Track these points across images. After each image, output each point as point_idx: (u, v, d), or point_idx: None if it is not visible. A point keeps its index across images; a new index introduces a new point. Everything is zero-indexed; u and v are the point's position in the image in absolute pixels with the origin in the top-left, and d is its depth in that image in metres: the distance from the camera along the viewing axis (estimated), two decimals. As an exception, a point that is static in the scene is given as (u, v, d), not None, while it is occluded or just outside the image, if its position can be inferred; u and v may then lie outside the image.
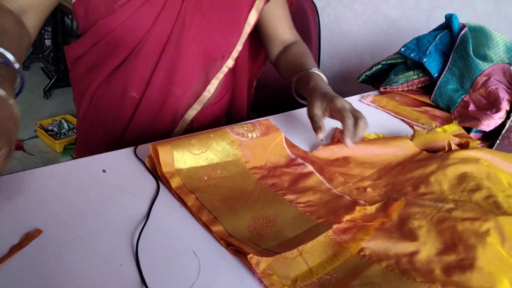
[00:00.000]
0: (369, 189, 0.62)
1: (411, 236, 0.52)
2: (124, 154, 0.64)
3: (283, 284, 0.44)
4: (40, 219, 0.48)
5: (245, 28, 0.86)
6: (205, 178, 0.60)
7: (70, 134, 2.32)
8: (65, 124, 2.38)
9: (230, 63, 0.88)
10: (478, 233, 0.52)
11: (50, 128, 2.33)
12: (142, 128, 0.86)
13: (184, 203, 0.55)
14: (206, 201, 0.55)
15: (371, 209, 0.57)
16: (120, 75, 0.82)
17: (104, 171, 0.59)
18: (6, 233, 0.46)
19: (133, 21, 0.75)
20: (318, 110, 0.69)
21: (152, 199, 0.55)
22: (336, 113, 0.68)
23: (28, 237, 0.45)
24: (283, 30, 0.93)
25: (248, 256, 0.46)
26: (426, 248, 0.50)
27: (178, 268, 0.45)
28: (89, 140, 0.93)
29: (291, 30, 0.94)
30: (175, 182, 0.57)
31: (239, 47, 0.87)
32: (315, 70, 0.80)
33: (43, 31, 3.00)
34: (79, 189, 0.55)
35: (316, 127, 0.67)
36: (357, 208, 0.55)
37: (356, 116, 0.66)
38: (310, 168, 0.65)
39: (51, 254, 0.44)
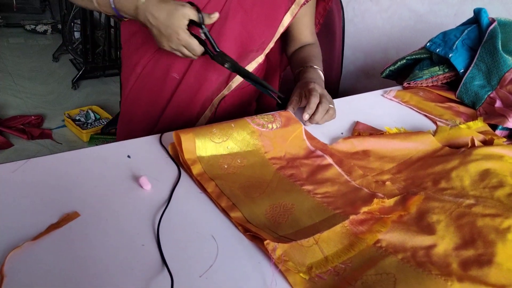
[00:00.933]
0: (388, 183, 0.62)
1: (429, 230, 0.52)
2: (149, 141, 0.66)
3: (298, 271, 0.45)
4: (70, 200, 0.51)
5: (279, 28, 0.92)
6: (225, 166, 0.61)
7: (96, 124, 2.38)
8: (92, 115, 2.45)
9: (261, 58, 0.94)
10: (498, 229, 0.52)
11: (77, 118, 2.41)
12: (177, 110, 0.92)
13: (204, 190, 0.57)
14: (226, 188, 0.57)
15: (389, 202, 0.57)
16: (165, 54, 0.88)
17: (129, 156, 0.61)
18: (41, 212, 0.49)
19: None
20: (295, 97, 0.79)
21: (174, 184, 0.56)
22: (306, 93, 0.77)
23: (67, 218, 0.48)
24: (305, 35, 1.01)
25: (265, 242, 0.47)
26: (444, 242, 0.50)
27: (197, 251, 0.46)
28: (130, 121, 0.98)
29: (312, 35, 1.03)
30: (196, 169, 0.59)
31: (271, 44, 0.94)
32: (316, 67, 0.89)
33: (72, 24, 3.08)
34: (105, 173, 0.57)
35: (289, 101, 0.79)
36: (375, 200, 0.55)
37: (322, 101, 0.75)
38: (329, 160, 0.66)
39: (81, 234, 0.46)
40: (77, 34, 3.16)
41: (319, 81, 0.84)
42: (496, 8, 1.19)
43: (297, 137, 0.70)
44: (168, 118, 0.93)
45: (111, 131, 2.44)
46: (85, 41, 2.92)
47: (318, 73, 0.88)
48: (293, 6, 0.91)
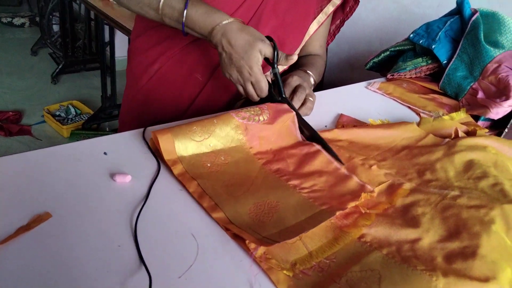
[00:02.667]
0: (374, 167, 0.61)
1: (414, 223, 0.52)
2: (130, 137, 0.64)
3: (282, 268, 0.44)
4: (41, 200, 0.49)
5: (305, 36, 0.92)
6: (208, 165, 0.59)
7: (77, 119, 2.33)
8: (72, 110, 2.40)
9: (287, 65, 0.92)
10: (483, 221, 0.51)
11: (57, 113, 2.35)
12: (200, 111, 0.89)
13: (186, 188, 0.55)
14: (208, 188, 0.55)
15: (376, 190, 0.57)
16: (190, 55, 0.85)
17: (105, 153, 0.59)
18: (10, 213, 0.46)
19: (215, 6, 0.75)
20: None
21: (152, 180, 0.54)
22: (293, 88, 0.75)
23: (37, 220, 0.45)
24: (313, 46, 0.99)
25: (247, 241, 0.46)
26: (428, 235, 0.50)
27: (176, 250, 0.45)
28: (139, 118, 0.94)
29: (321, 48, 1.02)
30: (177, 170, 0.57)
31: (297, 51, 0.93)
32: (309, 72, 0.88)
33: (50, 16, 3.00)
34: (80, 171, 0.55)
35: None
36: (363, 195, 0.55)
37: (298, 90, 0.75)
38: (317, 146, 0.64)
39: (53, 235, 0.44)
40: (56, 27, 3.08)
41: (305, 79, 0.82)
42: (478, -1, 1.19)
43: (287, 127, 0.68)
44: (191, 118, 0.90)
45: (92, 126, 2.40)
46: (65, 34, 2.85)
47: (308, 77, 0.86)
48: (320, 15, 0.92)
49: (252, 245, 0.45)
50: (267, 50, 0.68)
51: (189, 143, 0.59)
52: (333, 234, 0.50)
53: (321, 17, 0.92)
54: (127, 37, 1.90)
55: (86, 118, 2.35)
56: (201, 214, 0.51)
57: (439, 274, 0.43)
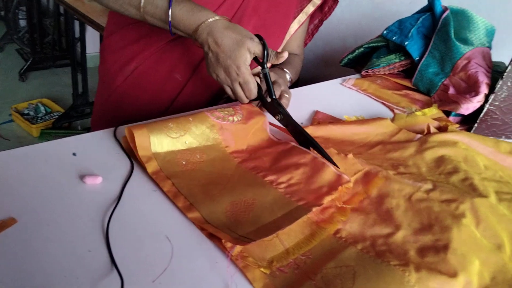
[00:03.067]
0: (350, 156, 0.62)
1: (388, 216, 0.52)
2: (101, 136, 0.62)
3: (258, 265, 0.44)
4: (5, 205, 0.46)
5: (286, 36, 0.91)
6: (183, 163, 0.58)
7: (47, 118, 2.25)
8: (42, 108, 2.32)
9: (269, 64, 0.90)
10: (454, 214, 0.53)
11: (26, 112, 2.26)
12: (182, 111, 0.85)
13: (160, 188, 0.53)
14: (183, 187, 0.53)
15: (353, 179, 0.57)
16: (168, 53, 0.81)
17: (74, 154, 0.56)
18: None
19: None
20: None
21: (125, 181, 0.53)
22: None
23: (1, 226, 0.43)
24: (292, 45, 0.98)
25: (223, 240, 0.45)
26: (402, 228, 0.51)
27: (150, 253, 0.43)
28: (113, 119, 0.89)
29: (298, 48, 1.02)
30: (151, 167, 0.55)
31: (279, 50, 0.91)
32: (286, 70, 0.87)
33: (17, 11, 2.88)
34: (48, 173, 0.52)
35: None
36: (340, 188, 0.54)
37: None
38: (292, 143, 0.64)
39: (17, 242, 0.42)
40: (22, 22, 2.96)
41: (280, 76, 0.81)
42: (448, -4, 1.21)
43: (260, 129, 0.68)
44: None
45: (63, 125, 2.32)
46: (32, 29, 2.74)
47: (284, 74, 0.86)
48: (300, 14, 0.91)
49: (228, 244, 0.45)
50: (256, 49, 0.65)
51: (164, 139, 0.58)
52: (310, 230, 0.49)
53: (301, 17, 0.92)
54: (98, 33, 1.84)
55: (57, 116, 2.27)
56: (175, 215, 0.50)
57: (411, 270, 0.44)
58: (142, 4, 0.67)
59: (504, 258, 0.48)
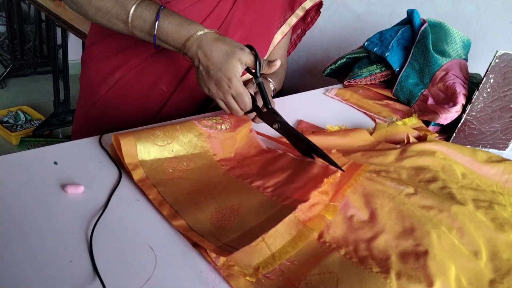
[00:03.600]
0: (334, 151, 0.63)
1: (372, 217, 0.54)
2: (85, 144, 0.61)
3: (244, 274, 0.44)
4: (-17, 214, 0.45)
5: (270, 47, 0.92)
6: (170, 171, 0.58)
7: (27, 126, 2.21)
8: (22, 116, 2.27)
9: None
10: (433, 221, 0.54)
11: (5, 119, 2.21)
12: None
13: (146, 195, 0.53)
14: (168, 195, 0.53)
15: (340, 170, 0.57)
16: (155, 64, 0.80)
17: (55, 163, 0.56)
18: None
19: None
20: None
21: (112, 190, 0.52)
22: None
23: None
24: (276, 55, 0.98)
25: (208, 250, 0.45)
26: (384, 232, 0.52)
27: (133, 263, 0.43)
28: (96, 129, 0.88)
29: (283, 57, 1.02)
30: (137, 175, 0.55)
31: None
32: (269, 80, 0.86)
33: (-4, 17, 2.83)
34: (28, 182, 0.51)
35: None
36: (325, 180, 0.54)
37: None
38: (280, 151, 0.65)
39: (-5, 251, 0.41)
40: (2, 28, 2.90)
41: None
42: (427, 9, 1.26)
43: (248, 137, 0.68)
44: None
45: (44, 133, 2.27)
46: (12, 35, 2.70)
47: (268, 83, 0.85)
48: (284, 26, 0.92)
49: (213, 254, 0.45)
50: (248, 59, 0.63)
51: (151, 147, 0.58)
52: (296, 230, 0.50)
53: (284, 28, 0.92)
54: (81, 40, 1.82)
55: (37, 124, 2.23)
56: (160, 224, 0.49)
57: (392, 276, 0.45)
58: (130, 18, 0.66)
59: (480, 265, 0.50)
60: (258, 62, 0.64)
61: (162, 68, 0.81)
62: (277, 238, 0.48)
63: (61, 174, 0.54)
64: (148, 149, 0.58)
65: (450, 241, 0.51)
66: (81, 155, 0.59)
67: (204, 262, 0.45)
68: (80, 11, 0.70)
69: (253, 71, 0.65)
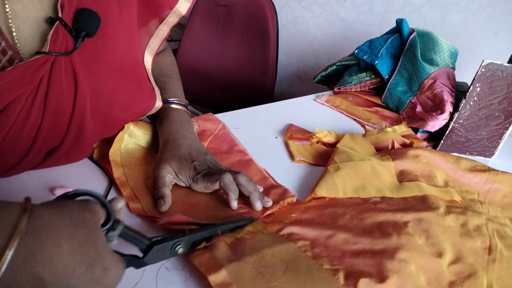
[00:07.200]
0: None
1: (332, 221, 0.54)
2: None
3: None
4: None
5: (148, 71, 0.65)
6: (138, 157, 0.61)
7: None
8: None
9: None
10: (397, 223, 0.54)
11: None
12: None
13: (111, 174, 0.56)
14: (132, 179, 0.56)
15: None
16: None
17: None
18: None
19: None
20: (168, 175, 0.55)
21: (105, 194, 0.52)
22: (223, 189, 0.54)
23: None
24: (159, 58, 0.75)
25: (209, 278, 0.41)
26: (344, 232, 0.52)
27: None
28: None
29: (163, 45, 0.78)
30: (113, 154, 0.58)
31: (158, 95, 0.66)
32: (174, 103, 0.66)
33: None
34: (15, 185, 0.51)
35: (159, 196, 0.53)
36: (281, 202, 0.56)
37: (230, 188, 0.54)
38: (249, 156, 0.67)
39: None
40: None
41: (184, 140, 0.61)
42: (416, 19, 1.28)
43: (219, 133, 0.72)
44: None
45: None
46: None
47: (178, 113, 0.66)
48: (146, 52, 0.64)
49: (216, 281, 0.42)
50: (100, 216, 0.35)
51: (139, 133, 0.63)
52: (253, 228, 0.50)
53: (152, 49, 0.64)
54: None
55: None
56: (151, 226, 0.49)
57: (340, 276, 0.45)
58: None
59: (442, 265, 0.49)
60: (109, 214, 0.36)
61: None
62: (234, 232, 0.49)
63: (49, 177, 0.53)
64: (137, 135, 0.63)
65: (413, 242, 0.51)
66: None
67: (191, 269, 0.45)
68: None
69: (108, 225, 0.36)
